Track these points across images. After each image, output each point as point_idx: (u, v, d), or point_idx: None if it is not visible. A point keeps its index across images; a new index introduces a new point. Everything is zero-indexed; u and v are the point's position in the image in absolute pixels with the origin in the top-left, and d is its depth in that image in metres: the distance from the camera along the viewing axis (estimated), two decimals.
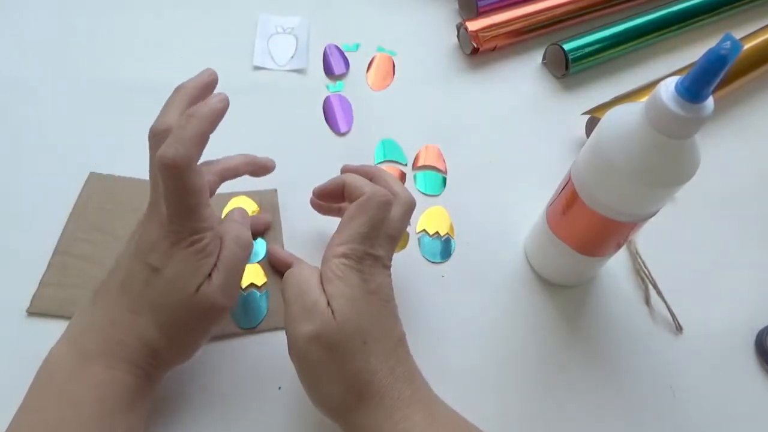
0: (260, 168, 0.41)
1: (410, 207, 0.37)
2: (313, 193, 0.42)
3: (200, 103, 0.32)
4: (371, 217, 0.34)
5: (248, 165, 0.40)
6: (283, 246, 0.45)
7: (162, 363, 0.34)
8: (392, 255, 0.36)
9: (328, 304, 0.32)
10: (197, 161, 0.32)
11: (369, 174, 0.39)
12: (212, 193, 0.38)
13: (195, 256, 0.32)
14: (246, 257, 0.35)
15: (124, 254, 0.34)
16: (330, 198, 0.40)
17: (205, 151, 0.53)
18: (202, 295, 0.32)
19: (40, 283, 0.41)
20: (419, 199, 0.45)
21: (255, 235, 0.44)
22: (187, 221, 0.32)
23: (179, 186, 0.31)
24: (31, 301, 0.40)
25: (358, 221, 0.34)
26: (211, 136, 0.52)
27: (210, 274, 0.33)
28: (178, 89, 0.34)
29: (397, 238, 0.36)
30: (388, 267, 0.35)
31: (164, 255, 0.32)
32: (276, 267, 0.43)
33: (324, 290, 0.32)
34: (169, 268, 0.32)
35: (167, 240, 0.32)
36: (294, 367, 0.33)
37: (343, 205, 0.41)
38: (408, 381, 0.32)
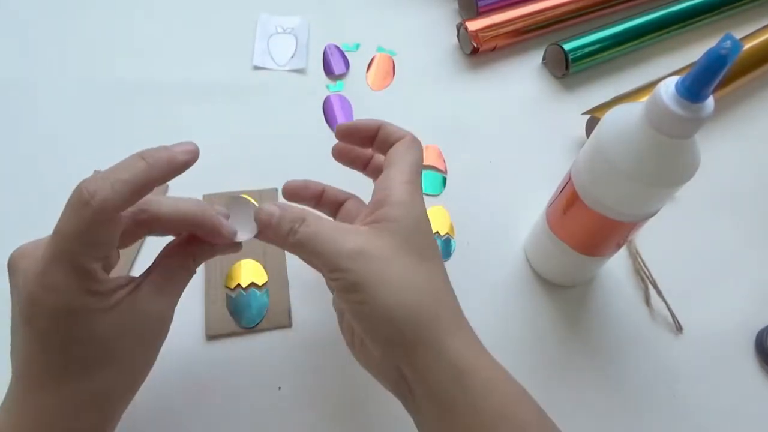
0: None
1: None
2: (340, 131, 0.37)
3: (160, 147, 0.28)
4: (419, 156, 0.34)
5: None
6: None
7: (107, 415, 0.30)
8: None
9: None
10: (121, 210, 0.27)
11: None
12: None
13: None
14: None
15: None
16: (358, 139, 0.37)
17: (210, 151, 0.53)
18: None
19: None
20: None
21: None
22: None
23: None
24: None
25: (413, 156, 0.34)
26: (212, 137, 0.52)
27: None
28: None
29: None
30: None
31: None
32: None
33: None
34: None
35: None
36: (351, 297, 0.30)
37: (375, 156, 0.39)
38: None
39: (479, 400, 0.29)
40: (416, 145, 0.35)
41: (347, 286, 0.29)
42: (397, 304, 0.29)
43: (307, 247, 0.30)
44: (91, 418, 0.29)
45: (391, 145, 0.35)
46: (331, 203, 0.39)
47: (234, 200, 0.34)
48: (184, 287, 0.32)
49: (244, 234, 0.34)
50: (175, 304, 0.32)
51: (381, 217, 0.31)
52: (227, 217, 0.33)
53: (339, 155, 0.39)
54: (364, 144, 0.37)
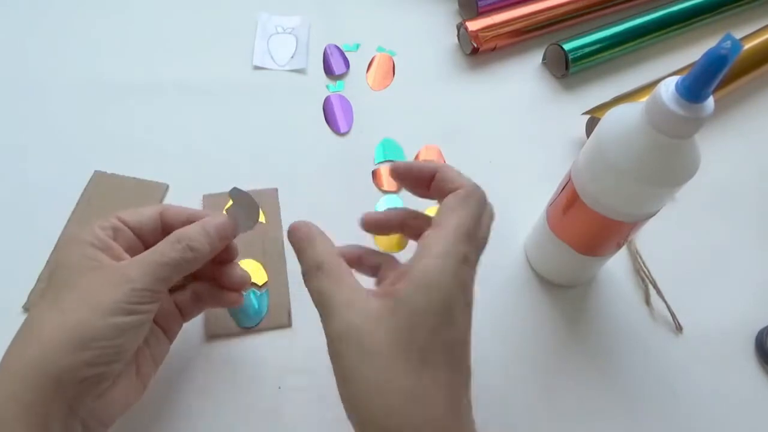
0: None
1: (493, 213, 0.32)
2: (395, 173, 0.33)
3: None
4: (473, 214, 0.29)
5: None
6: (283, 246, 0.45)
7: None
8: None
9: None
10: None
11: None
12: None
13: None
14: None
15: None
16: (412, 183, 0.33)
17: (210, 151, 0.53)
18: None
19: (37, 279, 0.41)
20: (419, 199, 0.45)
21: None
22: None
23: None
24: (28, 297, 0.40)
25: (464, 213, 0.29)
26: (212, 138, 0.52)
27: None
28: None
29: (484, 246, 0.31)
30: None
31: None
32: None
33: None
34: None
35: None
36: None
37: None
38: None
39: None
40: (472, 199, 0.29)
41: (331, 358, 0.28)
42: (365, 407, 0.26)
43: (314, 298, 0.29)
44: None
45: (446, 194, 0.30)
46: (370, 267, 0.35)
47: (235, 193, 0.35)
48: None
49: (242, 227, 0.35)
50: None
51: (393, 292, 0.27)
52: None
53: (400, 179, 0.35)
54: (419, 188, 0.33)
